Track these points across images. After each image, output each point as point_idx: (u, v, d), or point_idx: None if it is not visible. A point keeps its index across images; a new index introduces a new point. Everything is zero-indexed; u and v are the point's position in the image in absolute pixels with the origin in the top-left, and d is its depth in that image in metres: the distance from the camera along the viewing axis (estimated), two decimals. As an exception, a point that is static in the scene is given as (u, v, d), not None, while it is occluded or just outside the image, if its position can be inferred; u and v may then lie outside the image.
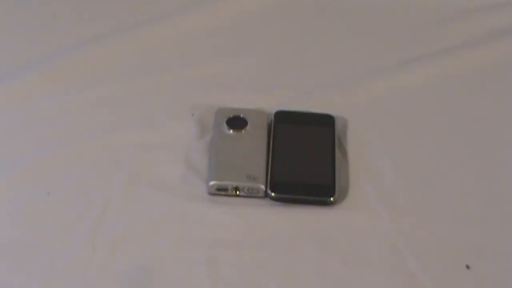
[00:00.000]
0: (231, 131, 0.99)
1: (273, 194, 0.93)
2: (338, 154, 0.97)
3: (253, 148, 0.97)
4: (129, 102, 1.04)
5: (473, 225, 0.92)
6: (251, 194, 0.93)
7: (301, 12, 1.17)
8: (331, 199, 0.93)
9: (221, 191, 0.93)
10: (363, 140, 1.00)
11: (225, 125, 0.99)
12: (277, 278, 0.87)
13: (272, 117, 1.01)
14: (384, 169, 0.97)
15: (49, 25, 1.14)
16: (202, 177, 0.95)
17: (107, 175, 0.95)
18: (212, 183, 0.93)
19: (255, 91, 1.06)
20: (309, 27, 1.15)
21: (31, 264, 0.87)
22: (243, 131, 0.99)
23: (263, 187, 0.93)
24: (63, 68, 1.07)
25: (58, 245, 0.89)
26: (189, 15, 1.15)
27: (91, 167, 0.96)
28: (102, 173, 0.96)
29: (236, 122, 0.99)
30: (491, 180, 0.96)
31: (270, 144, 0.98)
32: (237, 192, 0.93)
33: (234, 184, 0.93)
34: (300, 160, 0.97)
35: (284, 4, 1.17)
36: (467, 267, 0.88)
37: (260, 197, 0.94)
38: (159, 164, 0.97)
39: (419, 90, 1.06)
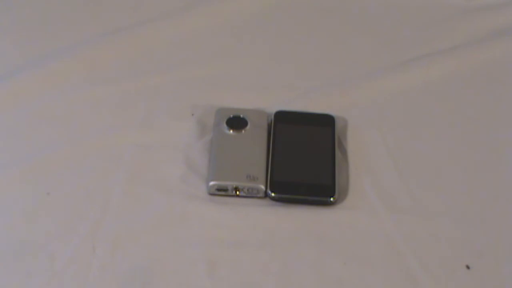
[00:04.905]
0: (231, 131, 0.99)
1: (273, 194, 0.93)
2: (338, 154, 0.97)
3: (253, 148, 0.97)
4: (129, 102, 1.04)
5: (473, 225, 0.92)
6: (251, 194, 0.93)
7: (301, 12, 1.17)
8: (331, 199, 0.93)
9: (221, 191, 0.93)
10: (363, 140, 1.00)
11: (225, 125, 0.99)
12: (277, 278, 0.87)
13: (272, 117, 1.01)
14: (384, 169, 0.97)
15: (49, 25, 1.14)
16: (202, 177, 0.95)
17: (107, 175, 0.95)
18: (212, 183, 0.93)
19: (255, 91, 1.06)
20: (309, 27, 1.15)
21: (31, 264, 0.87)
22: (243, 131, 0.99)
23: (263, 187, 0.93)
24: (63, 68, 1.07)
25: (58, 245, 0.89)
26: (189, 15, 1.15)
27: (91, 167, 0.96)
28: (102, 173, 0.96)
29: (236, 122, 0.99)
30: (491, 180, 0.96)
31: (270, 144, 0.98)
32: (237, 192, 0.93)
33: (234, 184, 0.93)
34: (300, 160, 0.97)
35: (284, 4, 1.17)
36: (467, 267, 0.88)
37: (260, 197, 0.94)
38: (159, 164, 0.97)
39: (419, 90, 1.06)
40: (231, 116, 1.00)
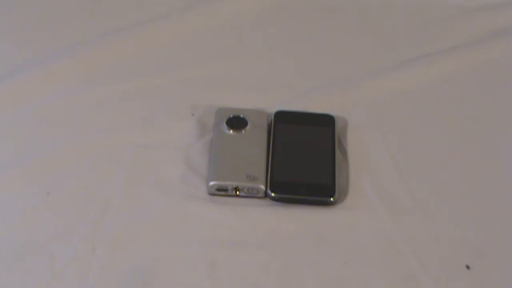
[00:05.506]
0: (231, 131, 0.99)
1: (273, 194, 0.93)
2: (338, 154, 0.97)
3: (253, 148, 0.97)
4: (129, 102, 1.04)
5: (473, 225, 0.92)
6: (251, 194, 0.93)
7: (301, 11, 1.17)
8: (331, 199, 0.93)
9: (221, 191, 0.93)
10: (363, 140, 1.00)
11: (225, 125, 0.99)
12: (276, 278, 0.87)
13: (272, 117, 1.01)
14: (384, 169, 0.97)
15: (50, 25, 1.14)
16: (202, 177, 0.95)
17: (107, 175, 0.95)
18: (212, 183, 0.93)
19: (255, 91, 1.06)
20: (309, 27, 1.15)
21: (31, 264, 0.87)
22: (243, 131, 0.99)
23: (263, 187, 0.93)
24: (63, 68, 1.07)
25: (58, 245, 0.89)
26: (189, 15, 1.15)
27: (91, 167, 0.96)
28: (102, 173, 0.96)
29: (236, 122, 0.99)
30: (491, 180, 0.96)
31: (270, 144, 0.98)
32: (237, 192, 0.93)
33: (234, 184, 0.93)
34: (300, 160, 0.97)
35: (284, 4, 1.18)
36: (467, 267, 0.88)
37: (260, 197, 0.94)
38: (159, 164, 0.97)
39: (419, 90, 1.06)
40: (231, 116, 1.00)
